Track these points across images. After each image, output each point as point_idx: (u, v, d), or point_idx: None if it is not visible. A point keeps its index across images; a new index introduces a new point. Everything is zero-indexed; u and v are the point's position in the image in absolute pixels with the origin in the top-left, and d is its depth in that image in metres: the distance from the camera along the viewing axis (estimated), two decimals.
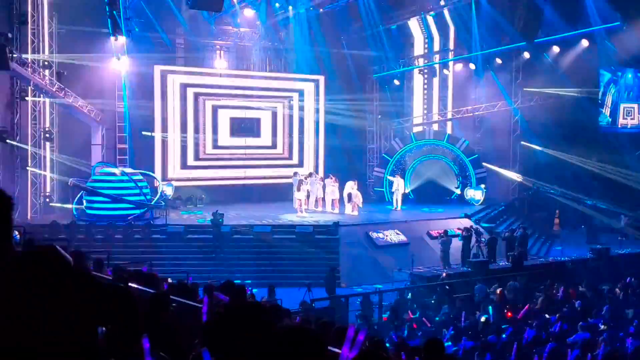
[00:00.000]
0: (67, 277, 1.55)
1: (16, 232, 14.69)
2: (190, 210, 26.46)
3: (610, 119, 29.49)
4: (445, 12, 30.78)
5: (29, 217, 23.49)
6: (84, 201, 23.71)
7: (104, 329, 3.12)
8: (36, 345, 1.44)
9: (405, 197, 28.62)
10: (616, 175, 28.57)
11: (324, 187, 26.25)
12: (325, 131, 32.44)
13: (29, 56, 23.78)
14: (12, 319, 1.44)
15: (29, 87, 23.72)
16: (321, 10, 30.33)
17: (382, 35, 31.43)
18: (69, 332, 1.47)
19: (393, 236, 22.68)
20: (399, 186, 27.63)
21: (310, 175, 27.48)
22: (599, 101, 29.19)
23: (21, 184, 23.58)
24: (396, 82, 33.22)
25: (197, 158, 29.57)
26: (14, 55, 20.73)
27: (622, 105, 29.40)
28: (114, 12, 20.90)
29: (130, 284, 5.73)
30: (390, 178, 28.57)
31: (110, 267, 9.79)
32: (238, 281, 11.33)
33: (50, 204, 25.56)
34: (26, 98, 23.99)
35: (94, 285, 1.60)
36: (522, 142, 30.98)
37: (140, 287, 5.85)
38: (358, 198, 25.48)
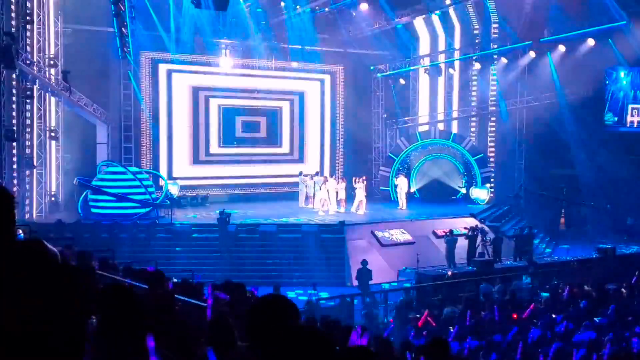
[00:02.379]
0: (50, 271, 1.55)
1: (20, 231, 14.72)
2: (196, 211, 26.41)
3: (616, 118, 29.41)
4: (451, 10, 30.72)
5: (34, 216, 23.53)
6: (89, 200, 23.76)
7: (94, 320, 3.12)
8: (18, 339, 1.44)
9: (410, 196, 28.61)
10: (622, 174, 28.49)
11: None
12: (331, 130, 32.46)
13: (35, 55, 23.83)
14: None
15: (35, 87, 23.76)
16: (327, 9, 30.29)
17: (388, 34, 31.39)
18: (52, 327, 1.47)
19: (399, 235, 22.67)
20: (403, 186, 27.61)
21: (315, 174, 27.57)
22: (605, 100, 29.10)
23: (26, 183, 23.61)
24: (402, 81, 33.20)
25: (203, 157, 29.64)
26: (20, 55, 20.78)
27: (627, 104, 29.30)
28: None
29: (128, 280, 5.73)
30: (395, 181, 28.33)
31: (115, 266, 9.79)
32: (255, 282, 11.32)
33: (56, 203, 25.61)
34: (32, 97, 24.03)
35: (78, 277, 1.59)
36: (527, 141, 30.93)
37: (145, 286, 5.85)
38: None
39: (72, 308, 1.50)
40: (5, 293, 1.46)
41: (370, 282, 18.46)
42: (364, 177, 26.64)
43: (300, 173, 27.88)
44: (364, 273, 18.36)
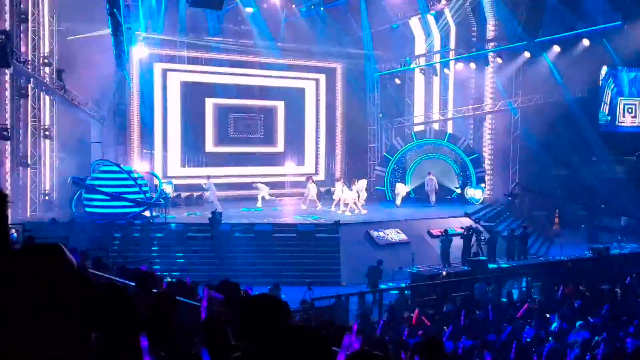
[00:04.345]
0: (69, 278, 1.53)
1: (13, 231, 14.68)
2: (190, 211, 26.35)
3: (609, 117, 29.46)
4: (446, 10, 30.73)
5: (28, 214, 23.46)
6: (83, 199, 23.67)
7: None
8: (28, 346, 1.42)
9: (406, 195, 28.90)
10: (616, 174, 28.56)
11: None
12: (326, 130, 32.48)
13: (29, 53, 23.77)
14: (6, 317, 1.42)
15: (29, 85, 23.70)
16: (322, 8, 30.28)
17: (383, 34, 31.39)
18: (63, 335, 1.46)
19: (394, 235, 22.66)
20: (401, 190, 28.00)
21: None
22: (599, 100, 29.16)
23: (20, 181, 23.55)
24: (397, 81, 33.21)
25: (197, 156, 29.62)
26: (15, 53, 20.71)
27: (622, 103, 29.37)
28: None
29: (129, 282, 5.71)
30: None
31: (109, 265, 9.78)
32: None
33: (50, 201, 25.54)
34: (26, 96, 23.97)
35: (94, 288, 1.58)
36: (522, 141, 30.99)
37: (139, 286, 5.83)
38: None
39: (77, 319, 1.48)
40: (11, 294, 1.44)
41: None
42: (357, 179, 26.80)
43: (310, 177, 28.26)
44: (377, 271, 18.55)
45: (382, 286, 18.72)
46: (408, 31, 32.23)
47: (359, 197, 25.56)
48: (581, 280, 16.90)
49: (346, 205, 25.23)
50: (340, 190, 25.56)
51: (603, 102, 29.18)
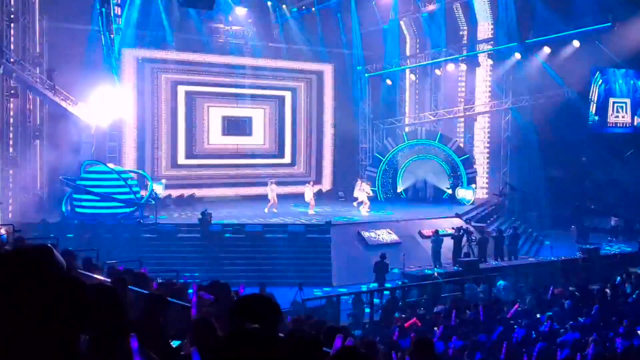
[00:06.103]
0: (58, 279, 1.52)
1: (3, 231, 14.59)
2: (181, 211, 26.27)
3: (597, 117, 29.56)
4: (438, 11, 30.81)
5: (18, 215, 23.32)
6: (73, 200, 23.56)
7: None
8: (17, 348, 1.41)
9: (397, 196, 28.99)
10: (606, 174, 28.68)
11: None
12: (317, 130, 32.49)
13: (20, 54, 23.65)
14: None
15: (19, 85, 23.58)
16: (313, 9, 30.30)
17: (375, 34, 31.45)
18: (51, 338, 1.45)
19: (385, 236, 22.69)
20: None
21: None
22: (589, 101, 29.27)
23: (10, 182, 23.42)
24: (388, 81, 33.26)
25: (188, 156, 29.56)
26: (4, 53, 20.62)
27: (612, 103, 29.51)
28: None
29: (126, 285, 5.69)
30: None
31: (100, 266, 9.73)
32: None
33: (40, 202, 25.41)
34: (16, 95, 23.84)
35: (83, 290, 1.57)
36: (512, 142, 31.07)
37: (134, 287, 5.82)
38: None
39: (67, 321, 1.47)
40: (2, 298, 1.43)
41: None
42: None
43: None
44: (382, 266, 18.68)
45: (372, 285, 18.78)
46: (399, 32, 32.29)
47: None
48: (571, 281, 16.97)
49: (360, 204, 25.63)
50: (362, 191, 25.76)
51: (591, 102, 29.25)
